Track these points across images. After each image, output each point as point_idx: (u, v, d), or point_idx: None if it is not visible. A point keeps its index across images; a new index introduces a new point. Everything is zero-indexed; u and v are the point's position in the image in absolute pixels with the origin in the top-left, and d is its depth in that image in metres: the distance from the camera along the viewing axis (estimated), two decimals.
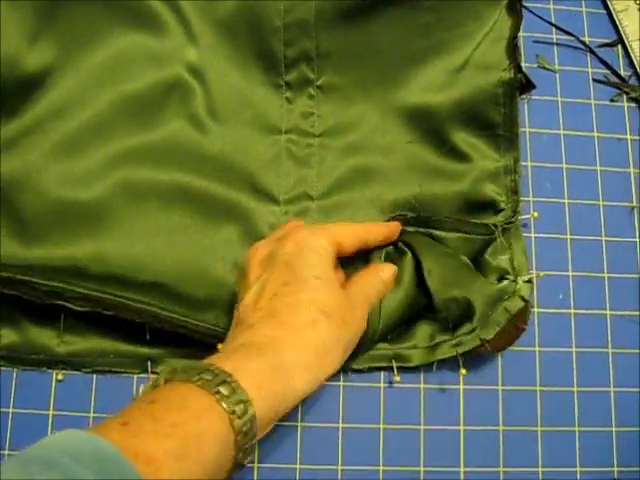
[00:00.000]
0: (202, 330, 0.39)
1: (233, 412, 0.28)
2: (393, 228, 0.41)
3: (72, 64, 0.43)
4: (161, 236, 0.41)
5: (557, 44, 0.47)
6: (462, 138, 0.43)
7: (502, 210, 0.42)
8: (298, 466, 0.40)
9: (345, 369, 0.41)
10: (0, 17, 0.40)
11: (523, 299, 0.41)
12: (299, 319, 0.34)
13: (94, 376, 0.41)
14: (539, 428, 0.41)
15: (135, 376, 0.41)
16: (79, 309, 0.38)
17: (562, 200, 0.45)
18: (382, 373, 0.42)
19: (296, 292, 0.35)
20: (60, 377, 0.41)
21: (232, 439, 0.28)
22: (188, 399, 0.28)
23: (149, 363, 0.41)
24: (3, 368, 0.41)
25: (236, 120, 0.43)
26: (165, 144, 0.42)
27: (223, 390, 0.29)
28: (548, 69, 0.47)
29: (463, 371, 0.41)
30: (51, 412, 0.40)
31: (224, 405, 0.28)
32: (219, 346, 0.38)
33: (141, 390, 0.31)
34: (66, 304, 0.38)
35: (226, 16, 0.43)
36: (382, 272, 0.40)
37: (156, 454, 0.25)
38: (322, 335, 0.34)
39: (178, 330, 0.38)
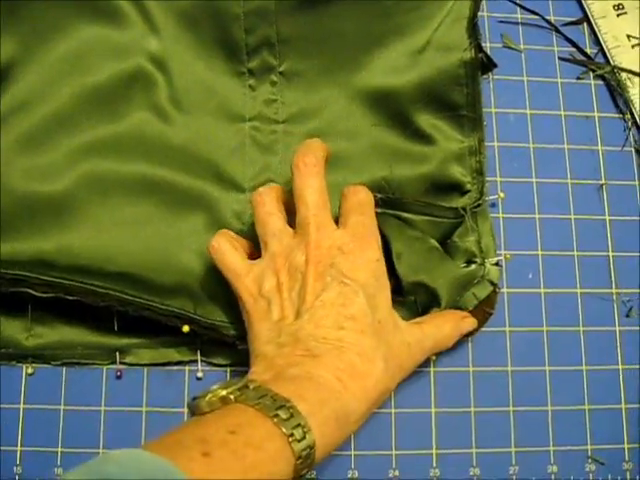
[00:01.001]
0: (166, 313, 0.39)
1: (300, 457, 0.29)
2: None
3: (34, 58, 0.42)
4: (127, 227, 0.41)
5: (522, 23, 0.47)
6: (426, 120, 0.42)
7: (468, 191, 0.42)
8: None
9: None
10: None
11: (492, 283, 0.41)
12: (364, 367, 0.34)
13: (63, 368, 0.41)
14: (511, 408, 0.41)
15: (104, 367, 0.41)
16: (43, 295, 0.38)
17: (530, 179, 0.45)
18: None
19: (361, 332, 0.34)
20: (30, 371, 0.41)
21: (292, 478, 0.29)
22: (266, 439, 0.28)
23: (117, 354, 0.41)
24: None
25: (200, 109, 0.43)
26: (129, 135, 0.42)
27: (296, 434, 0.29)
28: (513, 49, 0.46)
29: (433, 356, 0.41)
30: (22, 406, 0.41)
31: (295, 450, 0.29)
32: (184, 328, 0.38)
33: (208, 399, 0.30)
34: (29, 291, 0.38)
35: (187, 5, 0.43)
36: (464, 323, 0.40)
37: None
38: (380, 387, 0.34)
39: (143, 313, 0.38)
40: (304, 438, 0.29)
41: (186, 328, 0.38)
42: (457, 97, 0.42)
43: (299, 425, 0.29)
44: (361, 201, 0.38)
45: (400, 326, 0.37)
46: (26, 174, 0.41)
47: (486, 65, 0.44)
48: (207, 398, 0.30)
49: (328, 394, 0.32)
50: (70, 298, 0.38)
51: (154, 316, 0.39)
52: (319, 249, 0.36)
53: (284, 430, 0.29)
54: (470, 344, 0.42)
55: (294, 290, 0.36)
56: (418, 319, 0.39)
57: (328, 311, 0.34)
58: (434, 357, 0.41)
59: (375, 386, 0.34)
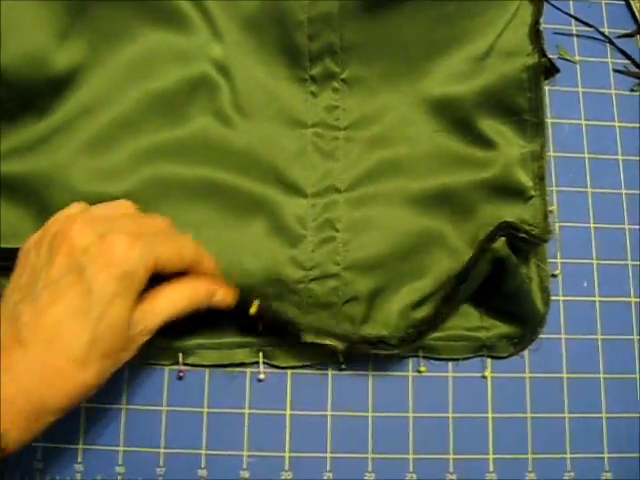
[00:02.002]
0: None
1: None
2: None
3: (101, 62, 0.43)
4: (189, 230, 0.41)
5: (577, 35, 0.48)
6: (488, 125, 0.43)
7: (531, 197, 0.42)
8: (328, 455, 0.41)
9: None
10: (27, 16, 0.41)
11: None
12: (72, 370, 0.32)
13: (126, 368, 0.41)
14: (566, 415, 0.42)
15: (167, 368, 0.42)
16: None
17: (585, 189, 0.45)
18: (410, 361, 0.42)
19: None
20: None
21: None
22: None
23: (180, 355, 0.41)
24: None
25: (262, 115, 0.44)
26: (192, 140, 0.43)
27: None
28: (568, 60, 0.47)
29: (487, 372, 0.42)
30: (84, 404, 0.41)
31: None
32: (252, 309, 0.38)
33: None
34: None
35: (251, 11, 0.44)
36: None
37: None
38: (84, 389, 0.32)
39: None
40: None
41: (254, 308, 0.38)
42: (520, 102, 0.43)
43: None
44: None
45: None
46: (90, 175, 0.42)
47: (549, 70, 0.44)
48: None
49: (28, 388, 0.31)
50: None
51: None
52: None
53: None
54: (527, 351, 0.43)
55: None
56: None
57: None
58: (488, 374, 0.42)
59: (80, 387, 0.32)
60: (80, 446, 0.40)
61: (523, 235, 0.39)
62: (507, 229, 0.39)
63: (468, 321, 0.42)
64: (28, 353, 0.31)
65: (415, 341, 0.40)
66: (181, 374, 0.41)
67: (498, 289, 0.40)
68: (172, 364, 0.41)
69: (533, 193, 0.42)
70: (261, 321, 0.40)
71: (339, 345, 0.39)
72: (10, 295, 0.33)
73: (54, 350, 0.31)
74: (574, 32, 0.48)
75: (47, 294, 0.32)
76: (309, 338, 0.39)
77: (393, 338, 0.40)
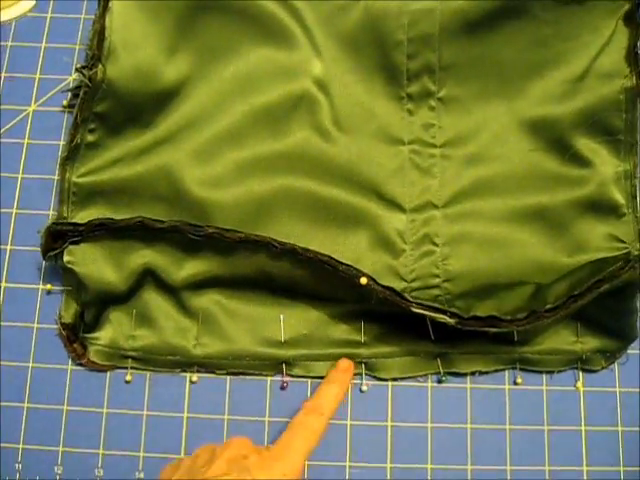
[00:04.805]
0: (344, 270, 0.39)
1: None
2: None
3: (206, 77, 0.44)
4: (292, 242, 0.42)
5: None
6: (584, 144, 0.44)
7: (624, 214, 0.44)
8: (429, 466, 0.41)
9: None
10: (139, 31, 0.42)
11: None
12: None
13: (227, 378, 0.42)
14: None
15: (268, 378, 0.42)
16: None
17: None
18: (506, 374, 0.43)
19: None
20: (194, 379, 0.42)
21: None
22: None
23: (284, 366, 0.42)
24: (136, 371, 0.42)
25: (360, 131, 0.45)
26: (294, 153, 0.44)
27: None
28: None
29: (580, 385, 0.43)
30: (185, 415, 0.42)
31: None
32: (363, 278, 0.39)
33: None
34: None
35: (348, 30, 0.45)
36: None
37: None
38: None
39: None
40: None
41: (364, 280, 0.39)
42: (616, 122, 0.44)
43: None
44: None
45: None
46: (200, 182, 0.43)
47: None
48: None
49: None
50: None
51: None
52: None
53: None
54: (616, 365, 0.44)
55: None
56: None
57: None
58: (580, 387, 0.43)
59: None
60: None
61: None
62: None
63: (565, 335, 0.43)
64: None
65: (528, 320, 0.39)
66: (284, 384, 0.42)
67: (607, 305, 0.41)
68: (275, 374, 0.42)
69: (626, 211, 0.44)
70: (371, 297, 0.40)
71: (450, 321, 0.39)
72: None
73: None
74: None
75: None
76: (418, 309, 0.39)
77: (506, 315, 0.39)
